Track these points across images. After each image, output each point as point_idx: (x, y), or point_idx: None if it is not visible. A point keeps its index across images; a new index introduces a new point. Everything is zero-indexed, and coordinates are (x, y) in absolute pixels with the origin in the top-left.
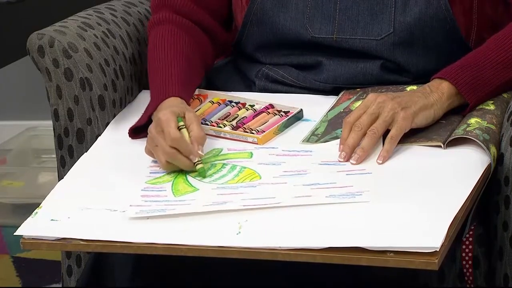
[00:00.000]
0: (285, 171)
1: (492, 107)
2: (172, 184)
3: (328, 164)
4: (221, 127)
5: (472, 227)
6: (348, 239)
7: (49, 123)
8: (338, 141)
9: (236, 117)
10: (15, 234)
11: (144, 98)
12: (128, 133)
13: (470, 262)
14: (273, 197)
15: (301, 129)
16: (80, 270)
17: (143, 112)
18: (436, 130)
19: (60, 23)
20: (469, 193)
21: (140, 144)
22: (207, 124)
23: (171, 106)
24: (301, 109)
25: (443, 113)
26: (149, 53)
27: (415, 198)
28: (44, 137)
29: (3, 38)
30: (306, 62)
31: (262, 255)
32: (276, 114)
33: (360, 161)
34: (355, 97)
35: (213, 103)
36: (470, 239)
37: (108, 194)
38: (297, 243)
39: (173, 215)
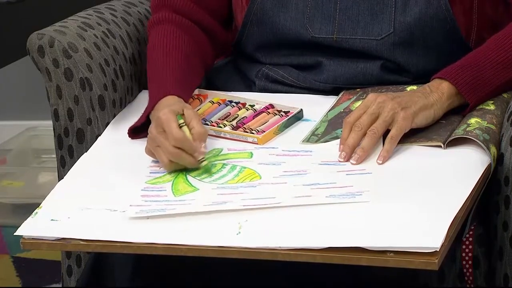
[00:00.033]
0: (285, 171)
1: (492, 107)
2: (172, 184)
3: (328, 164)
4: (221, 127)
5: (472, 227)
6: (348, 239)
7: (49, 123)
8: (338, 141)
9: (236, 117)
10: (15, 234)
11: (144, 98)
12: (128, 133)
13: (470, 262)
14: (273, 197)
15: (301, 129)
16: (80, 270)
17: (143, 112)
18: (436, 130)
19: (60, 23)
20: (469, 193)
21: (140, 144)
22: (207, 124)
23: (169, 105)
24: (301, 109)
25: (443, 113)
26: (148, 53)
27: (415, 198)
28: (44, 137)
29: (3, 38)
30: (306, 62)
31: (262, 255)
32: (276, 114)
33: (360, 161)
34: (355, 97)
35: (213, 103)
36: (470, 239)
37: (108, 194)
38: (297, 243)
39: (173, 215)
